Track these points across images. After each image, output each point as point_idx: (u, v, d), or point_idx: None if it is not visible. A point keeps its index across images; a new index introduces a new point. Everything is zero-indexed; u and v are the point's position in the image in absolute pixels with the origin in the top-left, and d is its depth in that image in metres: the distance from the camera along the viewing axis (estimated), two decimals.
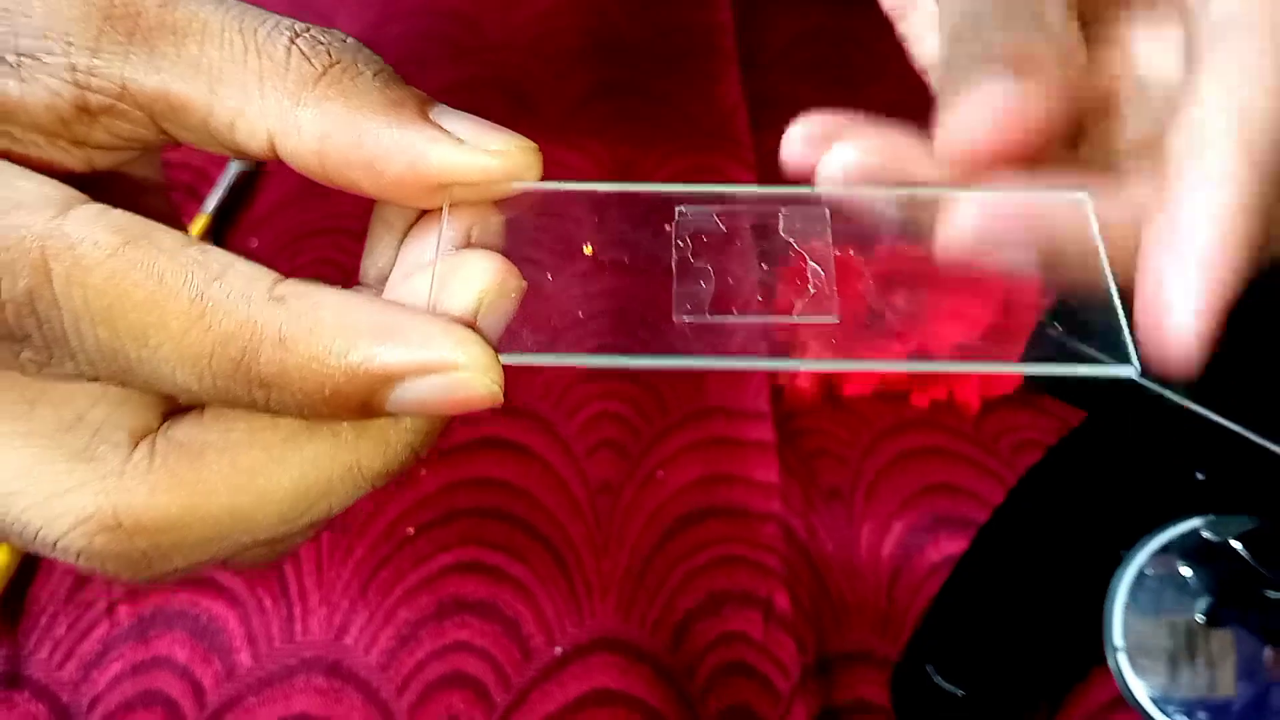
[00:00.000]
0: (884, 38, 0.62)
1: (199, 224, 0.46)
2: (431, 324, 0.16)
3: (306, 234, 0.47)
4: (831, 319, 0.17)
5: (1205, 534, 0.29)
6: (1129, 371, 0.17)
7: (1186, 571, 0.31)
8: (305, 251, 0.46)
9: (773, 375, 0.40)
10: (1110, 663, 0.30)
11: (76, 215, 0.15)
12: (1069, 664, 0.32)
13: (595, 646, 0.33)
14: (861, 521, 0.37)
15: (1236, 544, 0.28)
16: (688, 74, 0.55)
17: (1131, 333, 0.18)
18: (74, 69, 0.16)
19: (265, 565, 0.17)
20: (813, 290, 0.18)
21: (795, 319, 0.17)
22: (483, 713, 0.31)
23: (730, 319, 0.17)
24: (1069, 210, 0.19)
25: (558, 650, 0.33)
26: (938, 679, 0.31)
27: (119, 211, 0.15)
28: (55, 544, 0.16)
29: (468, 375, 0.16)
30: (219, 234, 0.46)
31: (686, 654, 0.33)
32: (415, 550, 0.35)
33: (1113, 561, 0.31)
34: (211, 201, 0.47)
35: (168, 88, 0.16)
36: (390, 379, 0.16)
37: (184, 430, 0.17)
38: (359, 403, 0.16)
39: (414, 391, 0.16)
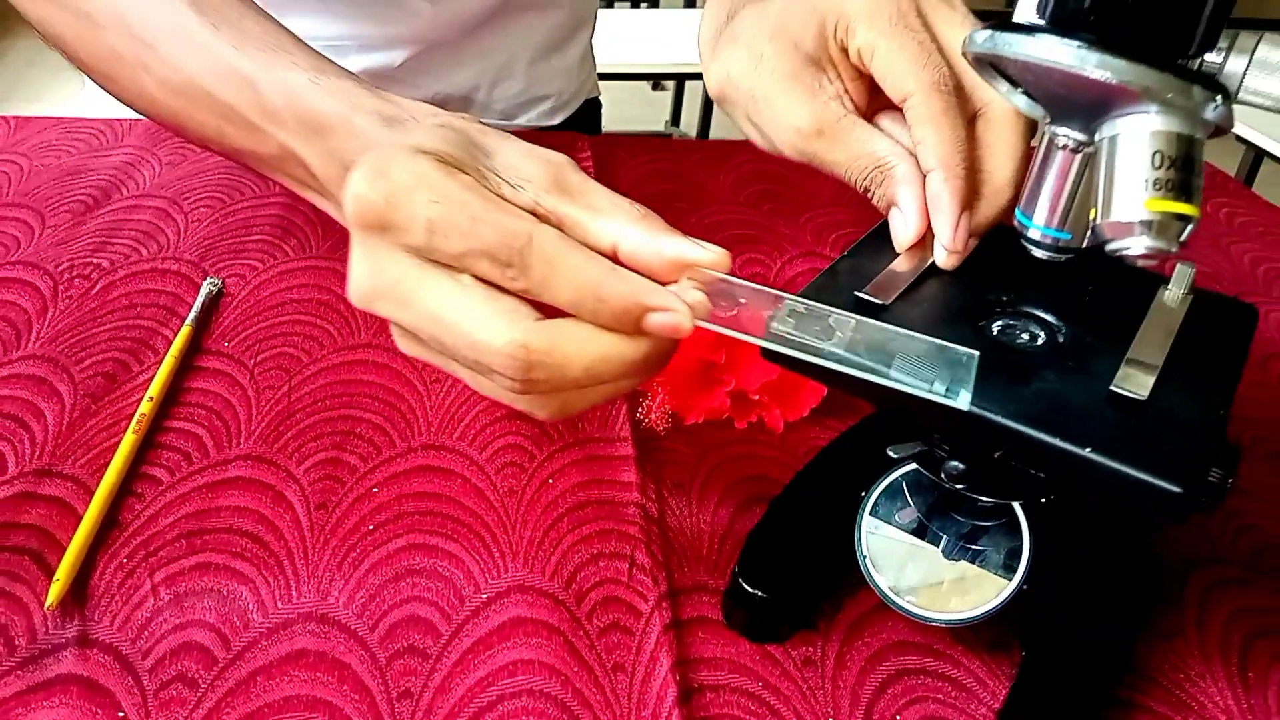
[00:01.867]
0: (708, 178, 0.81)
1: (182, 334, 0.59)
2: (670, 293, 0.34)
3: (264, 339, 0.60)
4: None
5: (890, 453, 0.44)
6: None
7: (906, 501, 0.46)
8: (264, 351, 0.59)
9: (632, 410, 0.55)
10: (860, 567, 0.45)
11: (543, 227, 0.33)
12: (833, 572, 0.47)
13: (510, 591, 0.46)
14: (698, 503, 0.51)
15: (910, 462, 0.44)
16: None
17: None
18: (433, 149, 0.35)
19: (563, 417, 0.37)
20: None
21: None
22: (433, 639, 0.44)
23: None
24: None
25: (484, 596, 0.46)
26: (747, 586, 0.45)
27: (557, 230, 0.34)
28: (497, 350, 0.32)
29: (682, 318, 0.33)
30: (197, 341, 0.59)
31: (575, 592, 0.46)
32: (375, 539, 0.48)
33: (858, 501, 0.46)
34: (190, 316, 0.60)
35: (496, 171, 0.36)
36: (650, 310, 0.33)
37: (554, 320, 0.33)
38: (635, 319, 0.33)
39: (658, 319, 0.33)
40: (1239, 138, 2.25)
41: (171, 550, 0.46)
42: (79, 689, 0.41)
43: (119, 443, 0.50)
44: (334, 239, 0.70)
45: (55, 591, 0.43)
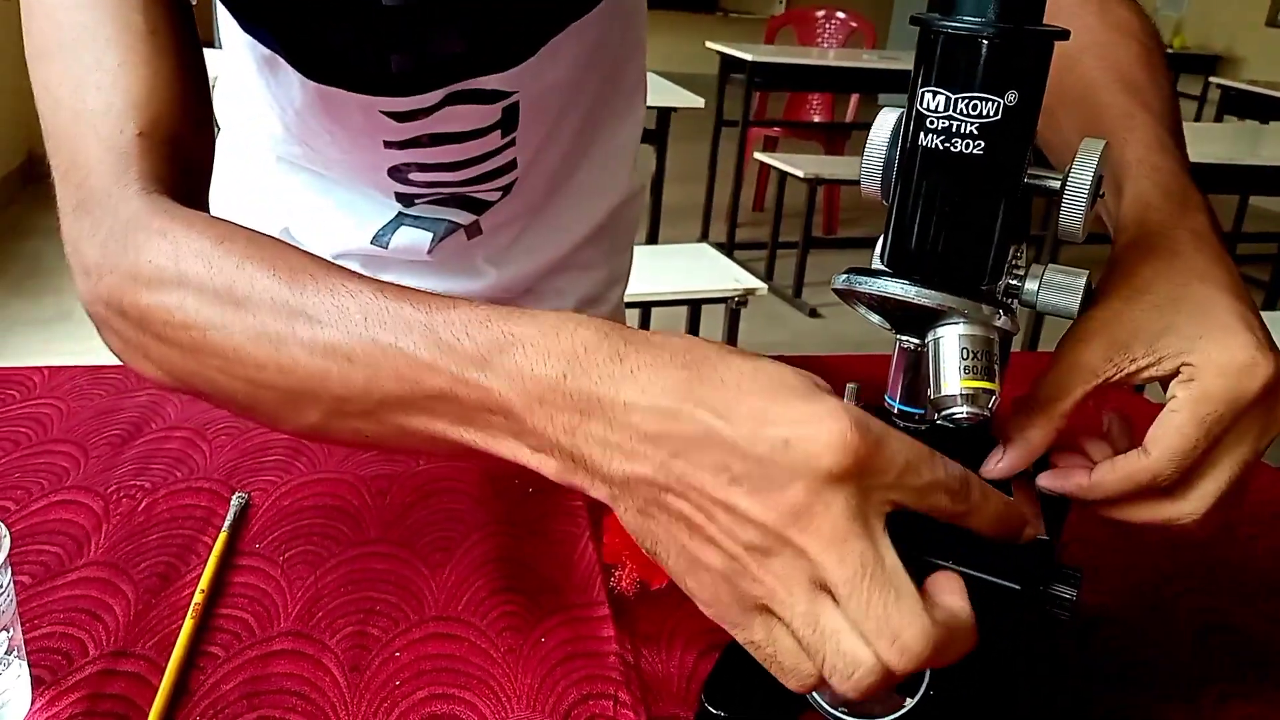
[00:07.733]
0: None
1: (221, 539, 0.69)
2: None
3: (289, 539, 0.71)
4: None
5: None
6: None
7: None
8: (291, 549, 0.70)
9: (606, 580, 0.66)
10: None
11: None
12: (782, 692, 0.57)
13: None
14: (667, 650, 0.62)
15: None
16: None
17: None
18: None
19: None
20: None
21: None
22: None
23: None
24: None
25: None
26: (710, 708, 0.55)
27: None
28: (925, 626, 0.40)
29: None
30: (233, 545, 0.70)
31: None
32: (402, 692, 0.57)
33: None
34: (225, 524, 0.71)
35: None
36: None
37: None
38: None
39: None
40: None
41: (235, 709, 0.55)
42: None
43: (180, 627, 0.60)
44: (339, 456, 0.82)
45: None
